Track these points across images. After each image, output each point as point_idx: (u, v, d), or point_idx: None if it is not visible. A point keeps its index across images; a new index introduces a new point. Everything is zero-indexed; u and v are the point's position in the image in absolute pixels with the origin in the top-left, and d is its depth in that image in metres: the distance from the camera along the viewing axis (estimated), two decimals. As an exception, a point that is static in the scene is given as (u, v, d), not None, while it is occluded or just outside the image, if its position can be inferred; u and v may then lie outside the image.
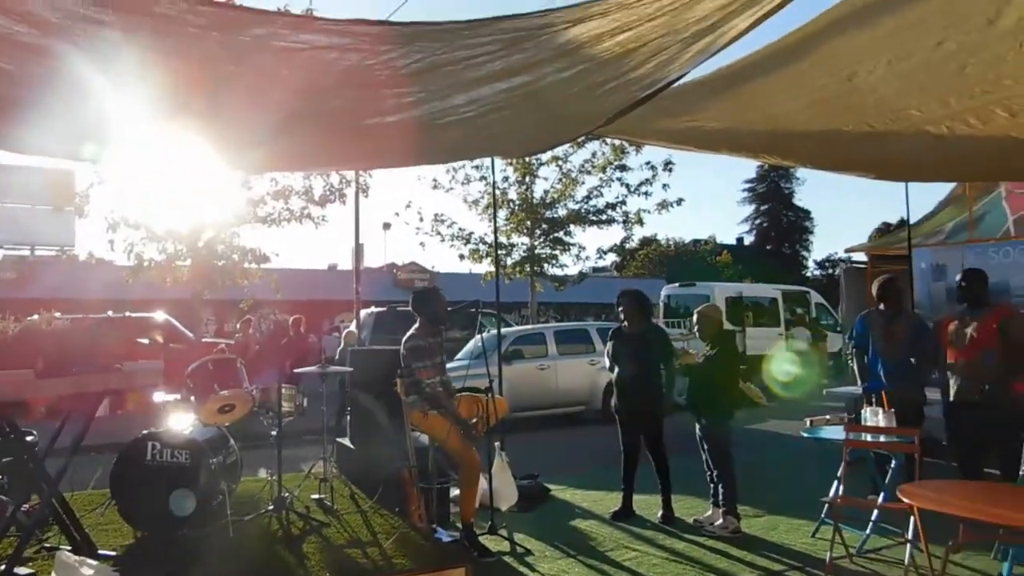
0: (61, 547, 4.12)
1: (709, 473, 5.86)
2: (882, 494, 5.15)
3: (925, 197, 30.89)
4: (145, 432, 4.83)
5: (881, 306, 6.20)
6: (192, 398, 5.25)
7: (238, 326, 13.96)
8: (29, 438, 4.33)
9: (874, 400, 5.55)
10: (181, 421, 5.23)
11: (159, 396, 5.63)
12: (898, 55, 3.39)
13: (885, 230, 35.53)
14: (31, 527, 4.07)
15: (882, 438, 5.23)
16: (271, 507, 5.04)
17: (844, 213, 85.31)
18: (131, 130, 3.96)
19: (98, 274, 17.48)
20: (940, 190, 10.90)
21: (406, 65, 3.07)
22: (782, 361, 5.60)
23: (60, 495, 4.29)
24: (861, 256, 12.77)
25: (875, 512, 5.06)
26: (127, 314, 15.48)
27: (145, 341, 10.30)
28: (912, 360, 5.92)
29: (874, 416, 5.30)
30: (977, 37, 3.09)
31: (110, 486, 4.78)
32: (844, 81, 3.72)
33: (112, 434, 6.58)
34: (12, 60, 2.98)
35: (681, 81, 3.82)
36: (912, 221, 10.33)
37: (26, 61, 2.97)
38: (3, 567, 3.63)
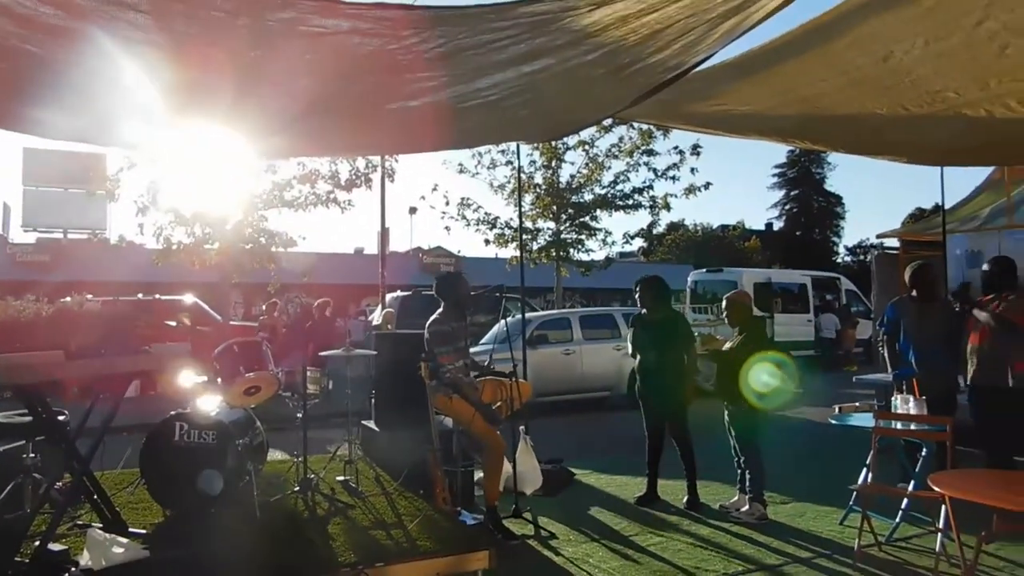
0: (93, 524, 4.20)
1: (736, 459, 5.81)
2: (912, 482, 5.07)
3: (961, 182, 30.27)
4: (173, 413, 4.90)
5: (914, 293, 6.08)
6: (219, 380, 5.31)
7: (263, 308, 14.09)
8: (61, 418, 4.41)
9: (905, 387, 5.45)
10: (208, 402, 5.29)
11: (187, 378, 5.70)
12: (936, 35, 3.29)
13: (919, 216, 34.90)
14: (64, 504, 4.15)
15: (913, 426, 5.15)
16: (297, 488, 5.10)
17: (876, 198, 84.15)
18: (158, 116, 3.99)
19: (129, 257, 17.69)
20: (976, 175, 10.66)
21: (429, 50, 3.05)
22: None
23: (91, 474, 4.37)
24: (893, 242, 12.53)
25: (905, 500, 4.98)
26: (156, 296, 15.72)
27: (173, 324, 10.41)
28: (944, 347, 5.81)
29: (904, 404, 5.21)
30: (1021, 15, 2.98)
31: (140, 465, 4.86)
32: (880, 62, 3.63)
33: (142, 415, 6.69)
34: (40, 43, 3.00)
35: (710, 63, 3.75)
36: (947, 206, 10.12)
37: (53, 44, 2.99)
38: (38, 543, 3.70)
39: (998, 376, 5.12)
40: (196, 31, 2.94)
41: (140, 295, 15.61)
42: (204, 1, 2.72)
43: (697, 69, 3.75)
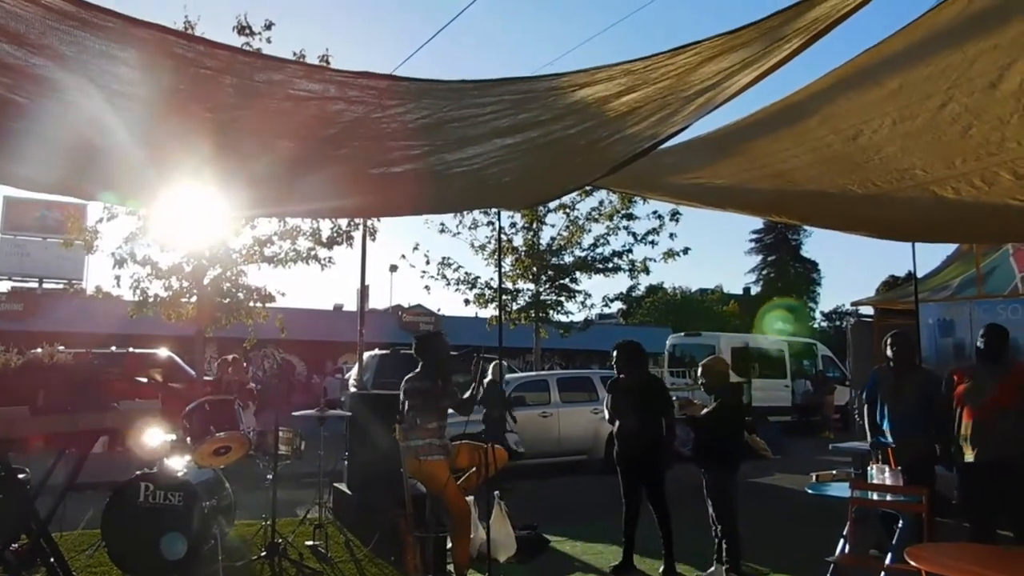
0: (47, 590, 4.05)
1: (714, 528, 5.74)
2: (889, 555, 5.02)
3: (932, 252, 30.91)
4: (139, 472, 4.79)
5: (891, 362, 6.13)
6: (188, 439, 5.21)
7: (215, 367, 13.78)
8: (21, 476, 4.29)
9: (880, 457, 5.45)
10: (176, 462, 5.18)
11: (156, 436, 5.58)
12: (903, 115, 3.40)
13: (892, 284, 35.42)
14: (17, 568, 4.00)
15: (889, 497, 5.13)
16: (264, 553, 4.96)
17: (851, 265, 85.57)
18: (140, 170, 3.99)
19: (105, 308, 17.48)
20: (947, 246, 10.87)
21: (414, 120, 3.10)
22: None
23: (49, 535, 4.22)
24: (868, 309, 12.71)
25: (882, 573, 4.93)
26: (130, 350, 15.47)
27: (144, 380, 10.23)
28: (921, 416, 5.81)
29: (880, 474, 5.20)
30: (980, 99, 3.10)
31: (101, 527, 4.73)
32: (849, 140, 3.73)
33: (109, 472, 6.52)
34: (26, 92, 3.01)
35: (687, 137, 3.84)
36: (919, 275, 10.32)
37: (40, 95, 3.00)
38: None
39: (997, 454, 5.08)
40: (184, 87, 2.97)
41: (114, 348, 15.35)
42: (193, 59, 2.76)
43: (673, 143, 3.84)
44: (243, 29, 13.04)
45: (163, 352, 15.58)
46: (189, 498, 4.66)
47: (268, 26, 13.24)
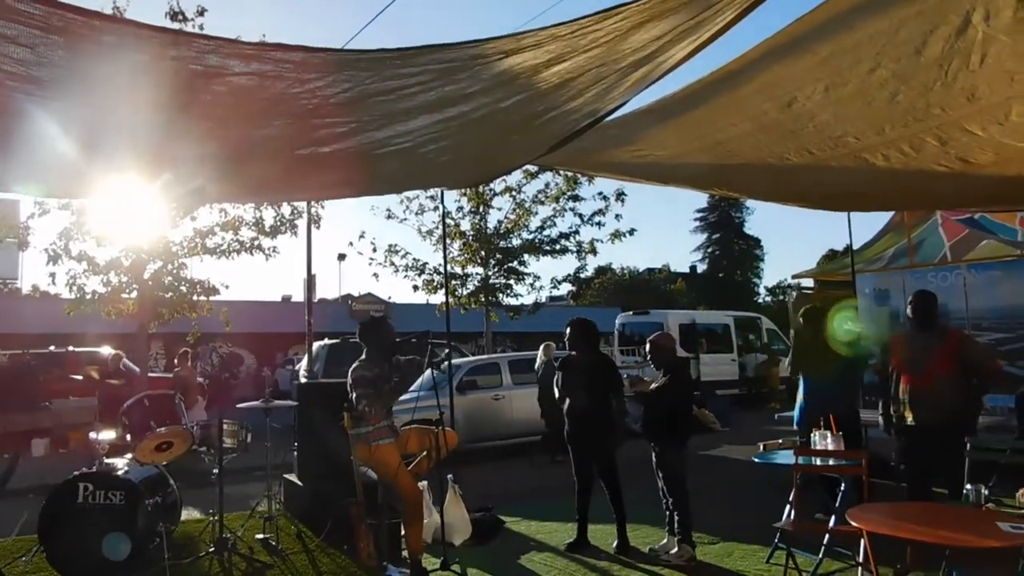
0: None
1: (664, 501, 5.82)
2: (833, 518, 5.17)
3: (867, 225, 31.83)
4: (77, 473, 4.62)
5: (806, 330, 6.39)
6: (128, 436, 5.05)
7: (176, 361, 13.55)
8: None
9: (823, 423, 5.59)
10: (117, 460, 5.02)
11: (94, 435, 5.40)
12: (834, 81, 3.46)
13: (832, 256, 36.41)
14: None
15: (831, 461, 5.27)
16: (212, 549, 4.85)
17: (793, 240, 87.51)
18: (70, 164, 3.81)
19: (42, 307, 16.82)
20: (882, 217, 11.19)
21: (334, 94, 2.98)
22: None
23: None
24: (809, 282, 13.02)
25: (827, 536, 5.06)
26: (70, 348, 14.94)
27: (79, 377, 9.91)
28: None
29: (823, 440, 5.34)
30: (907, 65, 3.16)
31: (38, 531, 4.55)
32: (784, 107, 3.78)
33: (51, 475, 6.29)
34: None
35: (626, 109, 3.84)
36: (855, 247, 10.61)
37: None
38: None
39: (936, 417, 5.25)
40: (81, 67, 2.78)
41: (52, 347, 14.81)
42: (88, 36, 2.57)
43: (614, 115, 3.84)
44: (176, 15, 12.60)
45: (106, 350, 15.10)
46: (131, 496, 4.52)
47: (201, 12, 12.83)
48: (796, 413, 6.83)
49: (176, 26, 12.48)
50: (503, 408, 11.84)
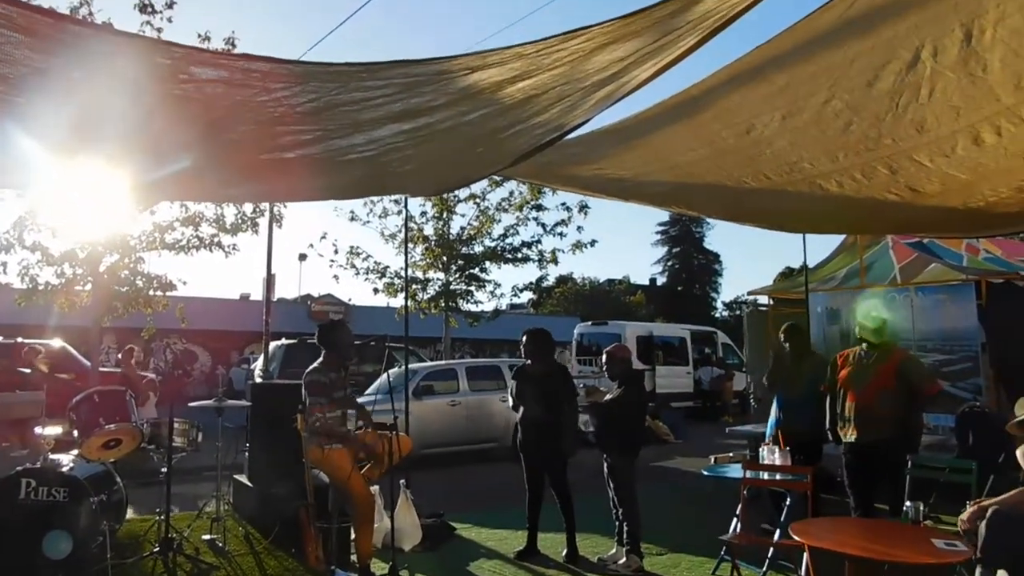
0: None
1: (615, 511, 5.89)
2: (778, 531, 5.29)
3: (822, 245, 32.57)
4: (20, 468, 4.52)
5: (787, 348, 6.54)
6: (75, 432, 4.96)
7: (119, 356, 13.24)
8: None
9: (773, 439, 5.72)
10: (62, 456, 4.92)
11: (41, 430, 5.29)
12: (791, 111, 3.58)
13: (787, 274, 37.14)
14: None
15: (778, 476, 5.40)
16: (157, 549, 4.78)
17: (751, 257, 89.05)
18: (29, 155, 3.75)
19: (-7, 298, 16.31)
20: (836, 238, 11.48)
21: (300, 104, 3.01)
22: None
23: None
24: (764, 299, 13.28)
25: (771, 549, 5.18)
26: (19, 340, 14.52)
27: (27, 370, 9.65)
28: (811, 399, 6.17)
29: (771, 455, 5.47)
30: (859, 96, 3.29)
31: (-25, 527, 4.44)
32: (743, 134, 3.89)
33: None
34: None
35: (589, 129, 3.91)
36: (809, 266, 10.88)
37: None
38: None
39: (875, 433, 5.37)
40: (49, 66, 2.77)
41: (0, 338, 14.39)
42: (60, 38, 2.57)
43: (577, 134, 3.90)
44: (145, 7, 12.38)
45: (56, 342, 14.71)
46: (75, 494, 4.43)
47: (170, 4, 12.63)
48: (769, 428, 6.94)
49: (144, 18, 12.30)
50: (459, 414, 11.85)
